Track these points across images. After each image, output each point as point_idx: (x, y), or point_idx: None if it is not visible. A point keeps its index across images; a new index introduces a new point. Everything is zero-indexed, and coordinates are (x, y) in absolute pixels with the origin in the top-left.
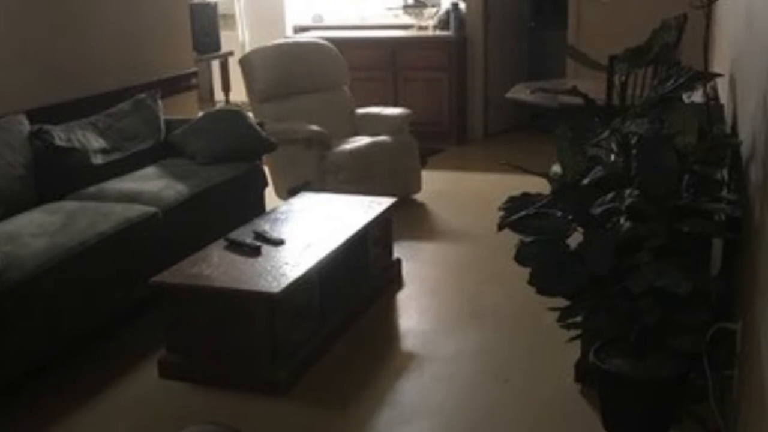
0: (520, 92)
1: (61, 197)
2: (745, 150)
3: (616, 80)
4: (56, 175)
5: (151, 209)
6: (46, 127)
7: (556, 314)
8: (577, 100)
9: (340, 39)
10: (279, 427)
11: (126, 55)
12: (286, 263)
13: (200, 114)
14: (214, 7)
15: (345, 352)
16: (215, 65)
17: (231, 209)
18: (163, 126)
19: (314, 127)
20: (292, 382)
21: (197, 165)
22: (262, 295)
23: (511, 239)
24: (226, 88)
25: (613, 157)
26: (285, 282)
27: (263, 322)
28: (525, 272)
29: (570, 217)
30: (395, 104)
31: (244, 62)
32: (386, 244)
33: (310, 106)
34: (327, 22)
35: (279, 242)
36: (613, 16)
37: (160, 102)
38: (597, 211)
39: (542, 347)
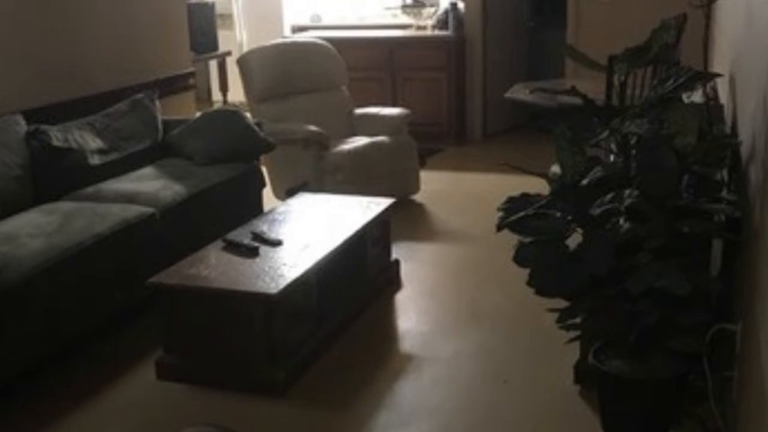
0: (519, 92)
1: (58, 198)
2: (745, 150)
3: (616, 80)
4: (53, 176)
5: (149, 210)
6: (43, 127)
7: (556, 315)
8: (577, 100)
9: (339, 39)
10: (277, 428)
11: (123, 55)
12: (284, 264)
13: (198, 114)
14: (212, 6)
15: (343, 353)
16: (213, 65)
17: (229, 210)
18: (160, 126)
19: (312, 128)
20: (290, 383)
21: (195, 165)
22: (260, 296)
23: (510, 240)
24: (224, 88)
25: (612, 157)
26: (283, 283)
27: (261, 323)
28: (524, 273)
29: (569, 217)
30: (394, 104)
31: (241, 62)
32: (385, 245)
33: (308, 106)
34: (325, 22)
35: (277, 243)
36: (613, 16)
37: (157, 102)
38: (596, 211)
39: (541, 348)
